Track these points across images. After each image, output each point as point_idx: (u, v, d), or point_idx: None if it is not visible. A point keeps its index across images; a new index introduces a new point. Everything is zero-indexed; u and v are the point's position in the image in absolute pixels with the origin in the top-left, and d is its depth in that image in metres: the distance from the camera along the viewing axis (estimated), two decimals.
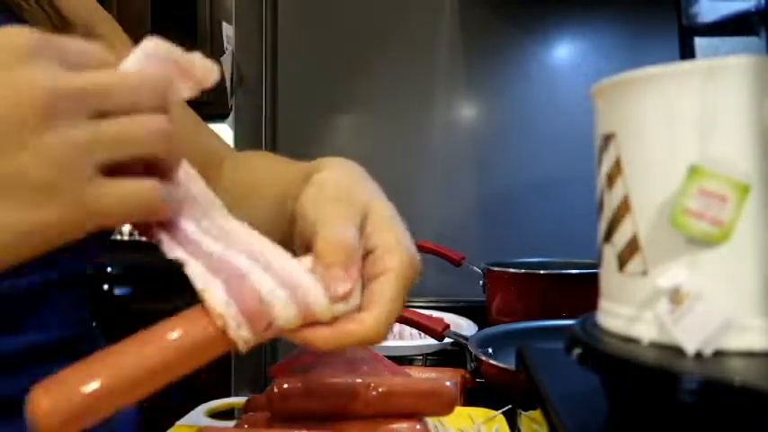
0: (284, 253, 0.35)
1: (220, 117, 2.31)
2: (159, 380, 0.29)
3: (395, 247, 0.37)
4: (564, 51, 1.34)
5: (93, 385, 0.27)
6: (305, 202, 0.39)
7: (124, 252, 1.79)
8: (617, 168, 0.31)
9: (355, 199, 0.39)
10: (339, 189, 0.39)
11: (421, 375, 0.59)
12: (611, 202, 0.31)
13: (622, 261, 0.31)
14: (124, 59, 0.33)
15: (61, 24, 0.54)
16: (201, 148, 0.64)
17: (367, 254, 0.37)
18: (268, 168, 0.60)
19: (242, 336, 0.31)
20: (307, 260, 0.35)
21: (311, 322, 0.34)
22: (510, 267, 1.03)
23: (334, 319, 0.34)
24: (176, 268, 0.33)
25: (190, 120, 0.65)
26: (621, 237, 0.31)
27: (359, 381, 0.44)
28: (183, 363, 0.30)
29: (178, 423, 0.61)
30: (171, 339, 0.30)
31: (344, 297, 0.34)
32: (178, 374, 0.30)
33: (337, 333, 0.34)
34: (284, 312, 0.32)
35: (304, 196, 0.39)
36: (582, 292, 0.89)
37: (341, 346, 0.35)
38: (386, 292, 0.35)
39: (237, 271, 0.32)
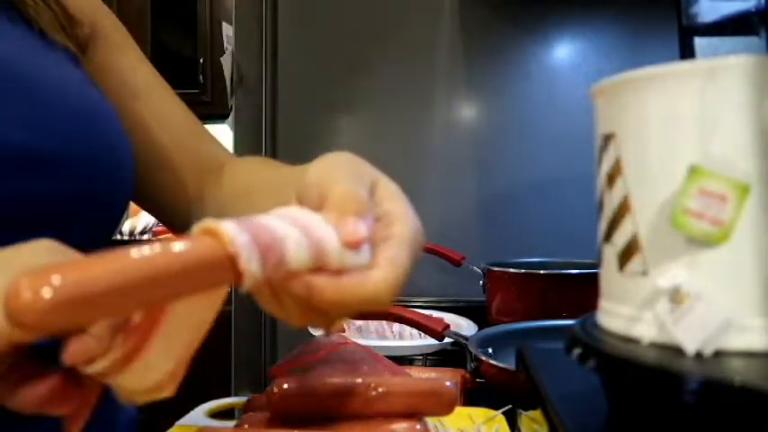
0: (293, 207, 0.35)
1: (220, 117, 2.31)
2: (155, 289, 0.26)
3: (403, 215, 0.37)
4: (564, 51, 1.34)
5: (80, 281, 0.24)
6: (311, 174, 0.38)
7: None
8: (617, 168, 0.31)
9: (362, 170, 0.39)
10: (344, 164, 0.39)
11: (421, 375, 0.59)
12: (611, 202, 0.31)
13: (622, 261, 0.31)
14: None
15: (68, 23, 0.54)
16: (202, 153, 0.65)
17: (376, 219, 0.37)
18: (267, 168, 0.60)
19: (252, 270, 0.29)
20: (318, 214, 0.35)
21: (319, 268, 0.33)
22: (510, 267, 1.03)
23: (342, 271, 0.33)
24: None
25: (190, 124, 0.65)
26: (621, 237, 0.31)
27: (359, 381, 0.44)
28: (183, 278, 0.27)
29: (178, 423, 0.61)
30: (176, 251, 0.27)
31: (357, 244, 0.33)
32: (175, 291, 0.27)
33: (344, 283, 0.33)
34: (297, 250, 0.31)
35: (309, 171, 0.39)
36: (582, 292, 0.89)
37: (345, 297, 0.33)
38: (395, 254, 0.35)
39: (246, 218, 0.31)
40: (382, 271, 0.34)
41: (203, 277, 0.28)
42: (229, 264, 0.28)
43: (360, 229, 0.34)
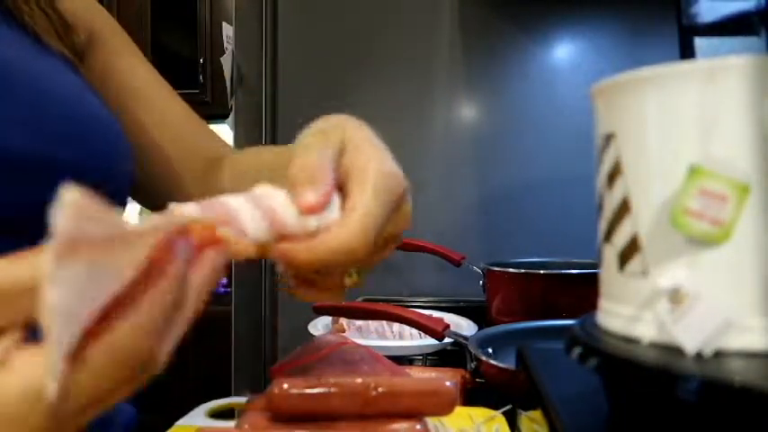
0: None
1: (220, 117, 2.31)
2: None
3: (369, 162, 0.37)
4: (564, 51, 1.34)
5: None
6: (295, 152, 0.39)
7: None
8: (617, 168, 0.31)
9: (332, 129, 0.39)
10: (319, 125, 0.40)
11: (421, 375, 0.59)
12: (611, 202, 0.31)
13: (622, 261, 0.31)
14: None
15: (64, 29, 0.54)
16: (205, 150, 0.65)
17: (344, 176, 0.37)
18: (267, 151, 0.61)
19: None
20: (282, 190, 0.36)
21: (285, 237, 0.34)
22: (510, 267, 1.03)
23: (309, 236, 0.35)
24: None
25: (192, 123, 0.65)
26: (621, 237, 0.31)
27: (359, 381, 0.44)
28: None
29: (178, 423, 0.61)
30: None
31: (314, 208, 0.35)
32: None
33: (311, 244, 0.34)
34: (252, 223, 0.33)
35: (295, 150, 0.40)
36: (582, 292, 0.89)
37: (316, 257, 0.34)
38: (362, 203, 0.35)
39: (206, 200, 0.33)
40: (346, 224, 0.35)
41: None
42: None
43: (308, 196, 0.35)
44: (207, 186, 0.63)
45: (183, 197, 0.63)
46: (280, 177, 0.48)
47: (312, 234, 0.35)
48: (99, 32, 0.60)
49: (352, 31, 1.38)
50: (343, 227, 0.35)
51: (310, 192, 0.35)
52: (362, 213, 0.35)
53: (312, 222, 0.35)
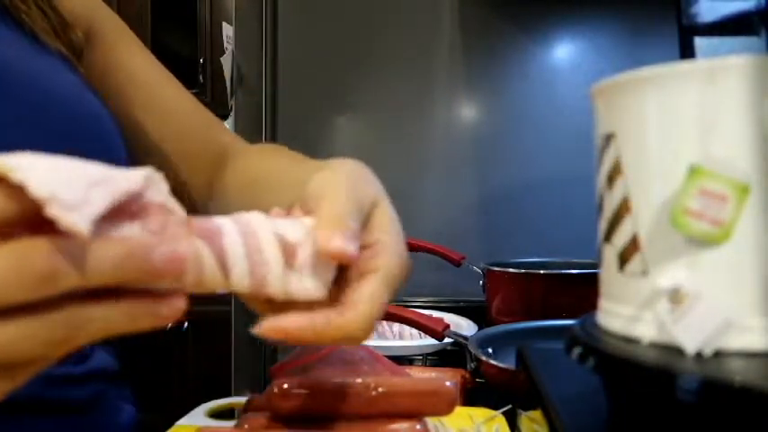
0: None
1: (220, 117, 2.31)
2: None
3: (392, 246, 0.36)
4: (564, 51, 1.34)
5: None
6: (316, 182, 0.38)
7: None
8: (617, 168, 0.31)
9: (364, 190, 0.38)
10: (350, 178, 0.38)
11: (421, 375, 0.59)
12: (611, 202, 0.31)
13: (622, 261, 0.31)
14: None
15: (62, 27, 0.54)
16: (212, 141, 0.65)
17: (364, 247, 0.36)
18: (275, 159, 0.59)
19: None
20: (307, 220, 0.34)
21: (269, 300, 0.32)
22: (510, 267, 1.03)
23: (288, 297, 0.33)
24: None
25: (199, 114, 0.65)
26: (621, 237, 0.31)
27: (359, 381, 0.44)
28: None
29: (178, 423, 0.61)
30: None
31: (340, 258, 0.33)
32: None
33: (320, 328, 0.33)
34: (239, 275, 0.31)
35: (315, 178, 0.38)
36: (582, 292, 0.89)
37: (321, 339, 0.33)
38: (376, 290, 0.34)
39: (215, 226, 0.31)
40: (358, 310, 0.34)
41: None
42: None
43: (349, 246, 0.33)
44: (215, 175, 0.63)
45: (194, 183, 0.63)
46: (284, 198, 0.47)
47: (287, 296, 0.33)
48: (98, 28, 0.60)
49: (352, 31, 1.38)
50: (352, 313, 0.33)
51: (348, 241, 0.33)
52: (372, 300, 0.34)
53: (293, 281, 0.33)
